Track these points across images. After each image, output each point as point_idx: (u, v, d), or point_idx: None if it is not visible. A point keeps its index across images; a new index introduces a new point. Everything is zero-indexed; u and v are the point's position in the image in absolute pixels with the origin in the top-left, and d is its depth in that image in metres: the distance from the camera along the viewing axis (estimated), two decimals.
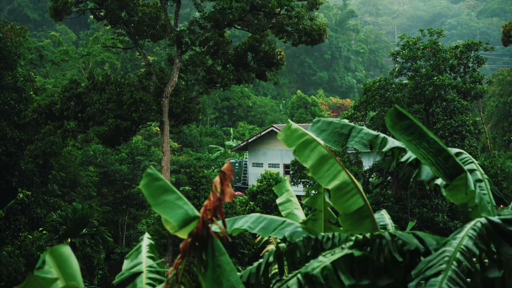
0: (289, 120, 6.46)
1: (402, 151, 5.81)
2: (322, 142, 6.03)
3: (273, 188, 8.18)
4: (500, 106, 48.50)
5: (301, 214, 7.33)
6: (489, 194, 5.84)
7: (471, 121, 27.71)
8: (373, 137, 5.95)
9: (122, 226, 37.51)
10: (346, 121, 6.24)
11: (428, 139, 5.36)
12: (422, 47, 29.15)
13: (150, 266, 5.26)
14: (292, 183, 32.50)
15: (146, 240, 5.86)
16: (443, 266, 4.12)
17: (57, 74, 52.56)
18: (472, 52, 29.05)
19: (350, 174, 5.90)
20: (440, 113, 27.63)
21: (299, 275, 4.63)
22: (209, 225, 3.82)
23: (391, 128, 5.35)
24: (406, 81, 29.32)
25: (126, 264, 5.55)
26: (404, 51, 29.57)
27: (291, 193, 7.71)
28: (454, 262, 4.14)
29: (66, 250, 4.68)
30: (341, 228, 6.60)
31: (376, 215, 6.60)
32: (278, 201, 7.63)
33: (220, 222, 3.83)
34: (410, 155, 5.73)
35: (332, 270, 4.50)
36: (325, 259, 4.61)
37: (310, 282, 4.47)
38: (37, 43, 52.00)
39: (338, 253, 4.67)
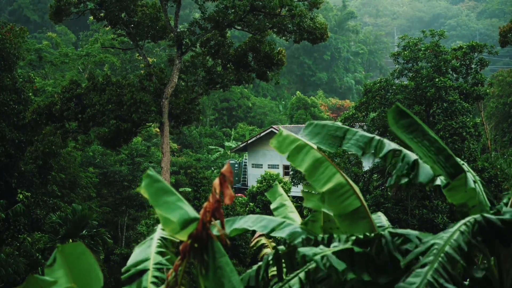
0: (280, 127, 6.48)
1: (398, 153, 5.81)
2: (315, 146, 6.04)
3: (265, 194, 8.17)
4: (500, 107, 48.52)
5: (296, 217, 7.32)
6: (483, 195, 5.87)
7: (471, 122, 27.70)
8: (369, 139, 5.95)
9: (121, 227, 37.49)
10: (339, 123, 6.25)
11: (429, 138, 5.37)
12: (423, 48, 29.14)
13: (157, 263, 5.22)
14: (292, 183, 32.52)
15: (158, 233, 5.73)
16: (431, 258, 4.13)
17: (56, 75, 52.55)
18: (476, 53, 29.03)
19: (346, 176, 5.90)
20: (441, 114, 27.62)
21: (301, 274, 4.62)
22: (209, 226, 3.82)
23: (393, 126, 5.36)
24: (407, 82, 29.32)
25: (134, 255, 5.43)
26: (405, 52, 29.56)
27: (284, 197, 7.70)
28: (442, 255, 4.14)
29: (78, 248, 4.61)
30: (341, 230, 6.60)
31: (373, 216, 6.59)
32: (272, 206, 7.60)
33: (219, 224, 3.83)
34: (408, 158, 5.72)
35: (331, 258, 4.47)
36: (326, 248, 4.60)
37: (311, 281, 4.47)
38: (36, 44, 51.98)
39: (338, 247, 4.67)
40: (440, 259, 4.09)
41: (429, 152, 5.34)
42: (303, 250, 4.57)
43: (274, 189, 7.90)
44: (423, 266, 4.07)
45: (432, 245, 4.27)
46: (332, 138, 6.02)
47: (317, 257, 4.41)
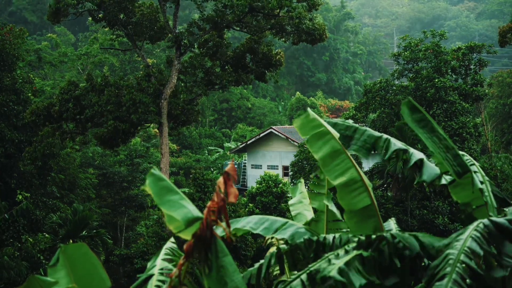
0: (308, 109, 6.42)
1: (405, 152, 5.78)
2: (337, 136, 5.97)
3: (289, 190, 8.43)
4: (500, 108, 48.52)
5: (309, 215, 7.33)
6: (490, 195, 5.83)
7: (471, 123, 27.71)
8: (376, 139, 5.91)
9: (121, 228, 37.43)
10: (350, 121, 6.19)
11: (438, 135, 5.35)
12: (424, 48, 29.15)
13: (162, 269, 5.24)
14: (292, 184, 32.46)
15: (168, 244, 5.87)
16: (448, 269, 4.09)
17: (55, 76, 52.50)
18: (475, 54, 29.07)
19: (361, 171, 5.84)
20: (441, 115, 27.62)
21: (303, 276, 4.57)
22: (213, 226, 3.79)
23: (407, 119, 5.34)
24: (407, 83, 29.31)
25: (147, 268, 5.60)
26: (405, 53, 29.55)
27: (305, 195, 7.77)
28: (458, 264, 4.11)
29: (81, 249, 4.59)
30: (344, 230, 6.55)
31: (384, 224, 6.55)
32: (290, 202, 7.73)
33: (223, 223, 3.79)
34: (414, 156, 5.68)
35: (348, 272, 4.44)
36: (337, 261, 4.55)
37: (315, 283, 4.41)
38: (36, 45, 51.90)
39: (347, 255, 4.61)
40: (457, 269, 4.06)
41: (438, 149, 5.32)
42: (318, 266, 4.53)
43: (297, 187, 8.06)
44: (441, 278, 4.03)
45: (446, 255, 4.23)
46: (343, 138, 5.98)
47: (334, 273, 4.33)
